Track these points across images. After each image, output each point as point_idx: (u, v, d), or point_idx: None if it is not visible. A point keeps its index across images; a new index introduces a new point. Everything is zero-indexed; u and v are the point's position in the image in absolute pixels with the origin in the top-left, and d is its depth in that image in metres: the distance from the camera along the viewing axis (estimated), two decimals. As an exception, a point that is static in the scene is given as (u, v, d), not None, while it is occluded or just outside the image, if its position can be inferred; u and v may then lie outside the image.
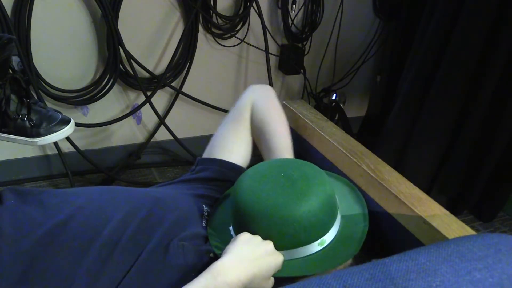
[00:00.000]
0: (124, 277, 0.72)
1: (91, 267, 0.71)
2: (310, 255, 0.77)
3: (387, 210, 0.85)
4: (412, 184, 0.86)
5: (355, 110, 2.51)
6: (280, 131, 1.00)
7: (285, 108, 1.14)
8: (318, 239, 0.76)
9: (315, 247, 0.76)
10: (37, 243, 0.72)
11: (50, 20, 1.63)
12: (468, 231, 0.74)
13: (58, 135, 1.01)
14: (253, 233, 0.75)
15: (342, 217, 0.83)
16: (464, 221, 0.75)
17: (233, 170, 1.00)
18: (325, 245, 0.77)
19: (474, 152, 1.83)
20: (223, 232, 0.83)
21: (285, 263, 0.75)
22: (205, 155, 1.05)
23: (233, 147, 1.02)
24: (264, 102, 1.03)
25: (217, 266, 0.68)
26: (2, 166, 1.81)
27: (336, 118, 2.22)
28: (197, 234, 0.82)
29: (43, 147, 1.86)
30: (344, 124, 2.20)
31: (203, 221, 0.87)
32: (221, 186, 0.98)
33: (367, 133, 2.34)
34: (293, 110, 1.11)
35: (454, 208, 1.96)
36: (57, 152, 1.77)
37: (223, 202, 0.92)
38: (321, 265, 0.75)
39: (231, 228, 0.82)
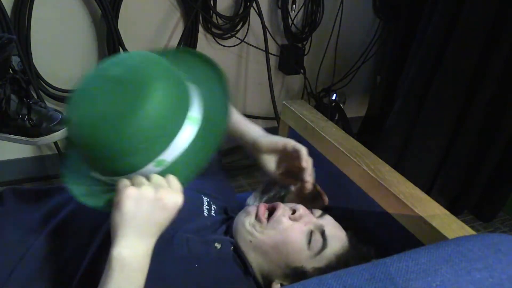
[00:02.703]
0: None
1: (95, 258, 0.71)
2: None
3: (387, 210, 0.85)
4: (412, 184, 0.86)
5: (355, 110, 2.51)
6: None
7: (285, 108, 1.14)
8: (158, 156, 0.62)
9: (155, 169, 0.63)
10: (41, 241, 0.72)
11: (50, 20, 1.63)
12: (468, 231, 0.74)
13: (59, 135, 1.02)
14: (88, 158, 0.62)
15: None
16: (464, 221, 0.75)
17: None
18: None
19: (474, 152, 1.83)
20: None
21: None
22: None
23: None
24: None
25: (115, 258, 0.58)
26: (2, 166, 1.81)
27: (336, 118, 2.22)
28: (201, 226, 0.82)
29: (43, 147, 1.86)
30: (344, 124, 2.20)
31: (205, 212, 0.87)
32: (209, 173, 0.97)
33: (367, 133, 2.34)
34: (293, 110, 1.11)
35: (454, 208, 1.96)
36: (57, 152, 1.77)
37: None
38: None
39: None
